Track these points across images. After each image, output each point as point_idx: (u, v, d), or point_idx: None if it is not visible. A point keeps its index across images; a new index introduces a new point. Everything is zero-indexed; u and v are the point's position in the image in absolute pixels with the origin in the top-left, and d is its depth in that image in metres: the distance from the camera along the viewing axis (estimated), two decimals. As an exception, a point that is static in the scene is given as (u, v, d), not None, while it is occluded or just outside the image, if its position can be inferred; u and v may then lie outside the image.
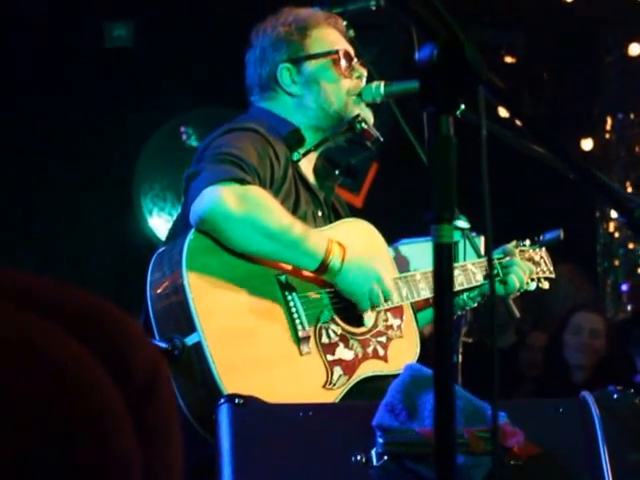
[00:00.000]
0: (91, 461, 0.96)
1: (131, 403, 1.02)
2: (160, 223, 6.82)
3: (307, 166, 3.16)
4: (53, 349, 0.98)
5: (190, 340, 2.68)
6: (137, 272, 3.02)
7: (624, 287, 7.48)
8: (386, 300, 2.93)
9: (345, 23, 3.30)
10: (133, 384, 1.03)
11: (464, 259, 3.39)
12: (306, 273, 2.89)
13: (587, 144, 7.42)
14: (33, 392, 0.95)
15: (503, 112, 6.31)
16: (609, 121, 7.51)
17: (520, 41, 6.99)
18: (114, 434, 0.98)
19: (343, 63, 3.13)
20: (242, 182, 2.78)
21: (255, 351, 2.75)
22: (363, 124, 3.09)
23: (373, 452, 2.29)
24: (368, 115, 3.14)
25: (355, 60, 3.17)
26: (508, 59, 6.98)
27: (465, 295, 3.25)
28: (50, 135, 6.35)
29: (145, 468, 1.02)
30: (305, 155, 3.11)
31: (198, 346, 2.68)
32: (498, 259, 3.28)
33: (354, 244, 2.95)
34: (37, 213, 6.38)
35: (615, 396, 2.54)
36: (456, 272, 3.15)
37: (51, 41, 6.24)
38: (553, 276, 3.45)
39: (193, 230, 2.78)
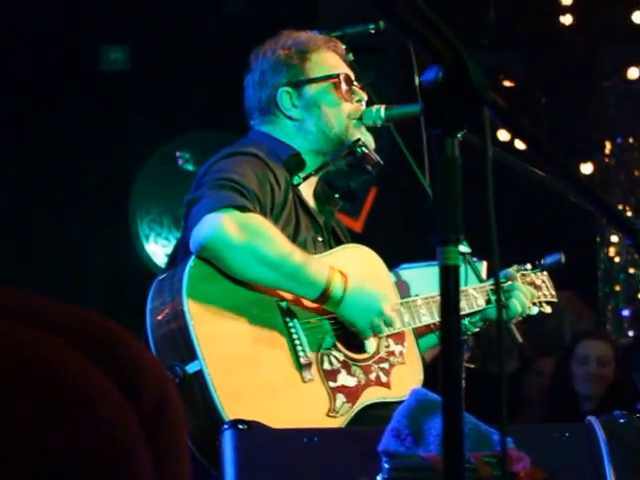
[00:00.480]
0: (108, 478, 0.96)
1: (143, 423, 1.02)
2: (157, 249, 6.80)
3: (307, 190, 3.15)
4: (77, 376, 0.99)
5: (191, 368, 2.67)
6: (134, 299, 3.01)
7: (625, 312, 7.45)
8: (388, 327, 2.92)
9: (344, 47, 3.30)
10: (143, 406, 1.03)
11: (465, 284, 3.37)
12: (307, 302, 2.87)
13: (587, 168, 7.43)
14: (54, 414, 0.95)
15: (503, 135, 6.34)
16: (608, 145, 7.52)
17: (519, 65, 7.01)
18: (130, 453, 0.98)
19: (344, 87, 3.12)
20: (243, 209, 2.77)
21: (257, 379, 2.73)
22: (364, 148, 3.09)
23: (379, 478, 2.28)
24: (369, 139, 3.13)
25: (355, 84, 3.16)
26: (507, 83, 7.01)
27: (466, 320, 3.22)
28: (45, 158, 6.33)
29: None
30: (306, 179, 3.10)
31: (199, 374, 2.66)
32: (500, 283, 3.26)
33: (355, 271, 2.94)
34: (33, 238, 6.36)
35: (621, 421, 2.52)
36: None
37: (47, 63, 6.24)
38: (555, 300, 3.44)
39: (193, 257, 2.77)
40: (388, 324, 2.90)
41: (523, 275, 3.35)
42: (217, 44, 6.25)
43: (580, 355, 5.54)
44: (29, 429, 0.94)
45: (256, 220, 2.78)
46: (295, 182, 3.07)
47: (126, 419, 1.00)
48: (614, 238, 7.41)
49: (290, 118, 3.12)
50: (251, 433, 2.32)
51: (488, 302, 3.19)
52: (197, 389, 2.66)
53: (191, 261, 2.76)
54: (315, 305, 2.88)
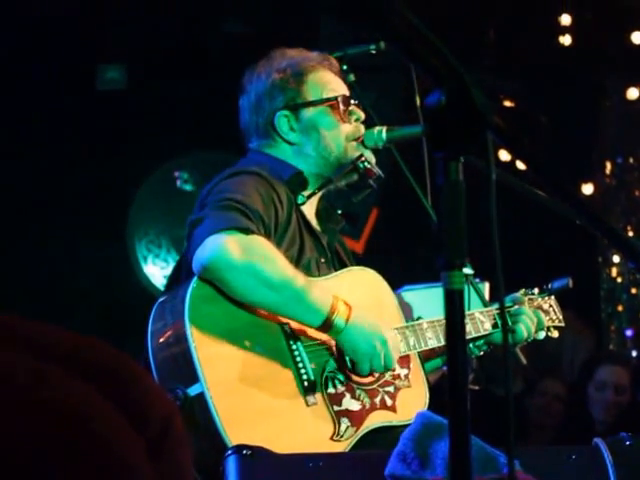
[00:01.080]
0: None
1: (148, 450, 1.02)
2: (155, 270, 6.77)
3: (309, 210, 3.14)
4: (86, 410, 0.99)
5: (193, 391, 2.65)
6: (133, 321, 3.00)
7: (629, 333, 7.44)
8: (387, 367, 2.87)
9: (345, 67, 3.30)
10: (150, 433, 1.03)
11: (468, 306, 3.35)
12: (309, 330, 2.84)
13: (587, 189, 7.43)
14: (62, 446, 0.95)
15: (504, 156, 6.34)
16: (609, 166, 7.52)
17: (519, 85, 7.03)
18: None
19: (341, 107, 3.11)
20: (246, 231, 2.75)
21: (260, 402, 2.71)
22: (366, 163, 3.08)
23: (385, 502, 2.26)
24: (370, 155, 3.12)
25: (352, 101, 3.15)
26: (507, 103, 7.02)
27: (471, 344, 3.20)
28: (41, 179, 6.31)
29: None
30: (309, 198, 3.09)
31: (201, 397, 2.64)
32: (506, 307, 3.24)
33: (359, 296, 2.92)
34: (30, 261, 6.34)
35: (627, 443, 2.51)
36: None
37: (43, 83, 6.23)
38: (562, 325, 3.41)
39: (196, 278, 2.75)
40: (387, 362, 2.86)
41: (530, 299, 3.34)
42: (216, 63, 6.25)
43: (598, 381, 5.55)
44: (32, 462, 0.93)
45: (259, 242, 2.77)
46: (299, 202, 3.06)
47: (134, 451, 1.00)
48: (616, 258, 7.40)
49: (288, 142, 3.11)
50: (255, 458, 2.30)
51: (495, 326, 3.17)
52: (199, 412, 2.64)
53: (193, 282, 2.74)
54: (317, 336, 2.85)
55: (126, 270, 6.77)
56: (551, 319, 3.36)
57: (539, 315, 3.27)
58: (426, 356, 3.13)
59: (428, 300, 3.60)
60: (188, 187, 6.75)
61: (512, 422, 1.54)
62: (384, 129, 3.14)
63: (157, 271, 6.76)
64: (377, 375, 2.93)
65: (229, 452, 2.33)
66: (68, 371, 1.02)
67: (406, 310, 3.48)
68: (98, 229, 6.46)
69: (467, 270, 3.50)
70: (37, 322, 1.09)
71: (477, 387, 4.33)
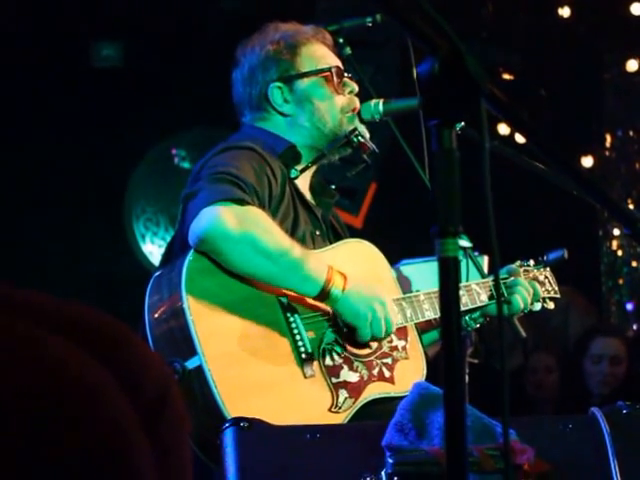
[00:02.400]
0: (111, 473, 0.96)
1: (144, 419, 1.02)
2: (154, 249, 6.77)
3: (303, 183, 3.14)
4: (76, 372, 0.99)
5: (191, 364, 2.65)
6: (131, 299, 3.00)
7: (629, 306, 7.45)
8: (387, 331, 2.88)
9: (341, 41, 3.29)
10: (145, 401, 1.03)
11: (467, 279, 3.35)
12: (307, 299, 2.84)
13: (587, 161, 7.43)
14: (53, 410, 0.96)
15: (503, 129, 6.33)
16: (609, 138, 7.51)
17: (518, 58, 7.01)
18: (129, 448, 0.98)
19: (335, 80, 3.10)
20: (241, 202, 2.75)
21: (258, 374, 2.71)
22: (360, 137, 3.07)
23: (383, 473, 2.27)
24: (363, 129, 3.12)
25: (346, 74, 3.15)
26: (506, 76, 7.00)
27: (467, 316, 3.21)
28: (38, 158, 6.30)
29: None
30: (303, 172, 3.09)
31: (199, 370, 2.64)
32: (502, 279, 3.24)
33: (355, 268, 2.92)
34: (27, 239, 6.33)
35: (624, 412, 2.52)
36: (460, 292, 3.10)
37: (39, 61, 6.21)
38: (558, 296, 3.42)
39: (192, 251, 2.75)
40: (388, 326, 2.86)
41: (526, 271, 3.34)
42: (213, 39, 6.22)
43: (594, 354, 5.56)
44: (27, 425, 0.94)
45: (254, 213, 2.76)
46: (292, 175, 3.06)
47: (126, 415, 1.00)
48: (616, 231, 7.41)
49: (282, 114, 3.10)
50: (253, 431, 2.31)
51: (491, 297, 3.17)
52: (197, 385, 2.64)
53: (190, 255, 2.74)
54: (314, 305, 2.85)
55: (124, 249, 6.76)
56: (547, 290, 3.37)
57: (535, 286, 3.27)
58: (423, 328, 3.13)
59: (427, 273, 3.60)
60: (185, 165, 6.74)
61: (507, 392, 1.54)
62: (381, 102, 3.14)
63: (155, 249, 6.76)
64: (375, 347, 2.94)
65: (226, 424, 2.34)
66: (64, 335, 1.02)
67: (405, 283, 3.48)
68: (96, 208, 6.46)
69: (466, 243, 3.51)
70: (35, 291, 1.10)
71: (476, 361, 4.33)
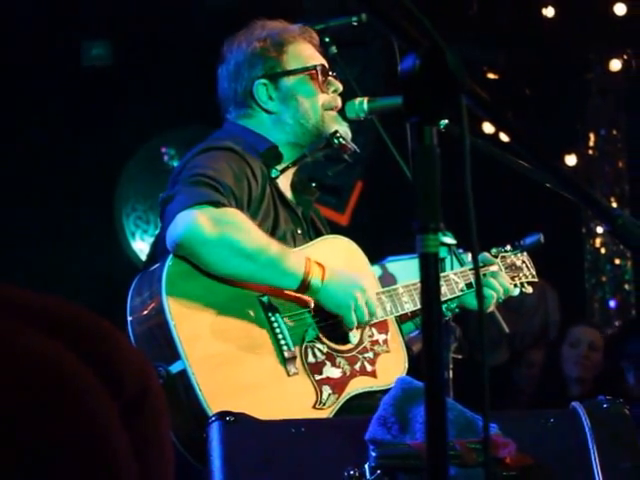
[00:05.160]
0: (87, 463, 0.97)
1: (124, 414, 1.03)
2: (144, 246, 6.77)
3: (284, 182, 3.15)
4: (56, 366, 1.00)
5: (174, 368, 2.65)
6: (122, 297, 3.00)
7: (612, 303, 7.49)
8: (371, 314, 2.91)
9: (327, 40, 3.31)
10: (125, 394, 1.04)
11: (450, 275, 3.37)
12: (288, 292, 2.86)
13: (571, 160, 7.46)
14: (32, 400, 0.96)
15: (488, 128, 6.36)
16: (592, 137, 7.55)
17: (502, 57, 7.04)
18: (107, 440, 0.99)
19: (320, 77, 3.12)
20: (217, 205, 2.75)
21: (242, 375, 2.72)
22: (341, 139, 3.09)
23: (366, 466, 2.29)
24: (346, 129, 3.13)
25: (331, 74, 3.16)
26: (491, 75, 7.02)
27: (444, 307, 3.23)
28: (28, 156, 6.29)
29: (140, 478, 1.03)
30: (283, 172, 3.10)
31: (183, 374, 2.65)
32: (480, 267, 3.26)
33: (334, 262, 2.93)
34: (18, 237, 6.32)
35: (605, 406, 2.54)
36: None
37: (29, 60, 6.20)
38: (536, 280, 3.43)
39: (171, 256, 2.75)
40: (370, 309, 2.90)
41: (503, 257, 3.35)
42: (201, 37, 6.22)
43: (572, 338, 5.65)
44: (4, 417, 0.95)
45: (231, 214, 2.77)
46: (273, 175, 3.07)
47: (105, 408, 1.01)
48: (600, 229, 7.44)
49: (266, 111, 3.11)
50: (238, 425, 2.33)
51: (469, 286, 3.19)
52: (181, 389, 2.65)
53: (169, 260, 2.74)
54: (296, 297, 2.87)
55: (115, 246, 6.76)
56: (525, 275, 3.38)
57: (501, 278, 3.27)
58: (401, 319, 3.15)
59: (412, 270, 3.61)
60: (175, 163, 6.73)
61: (487, 385, 1.56)
62: (365, 100, 3.15)
63: (145, 247, 6.74)
64: (356, 342, 2.96)
65: (212, 419, 2.36)
66: (47, 330, 1.03)
67: (390, 279, 3.51)
68: (86, 206, 6.45)
69: (450, 240, 3.53)
70: (19, 287, 1.11)
71: (460, 356, 4.35)
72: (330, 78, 3.15)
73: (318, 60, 3.16)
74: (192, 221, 2.71)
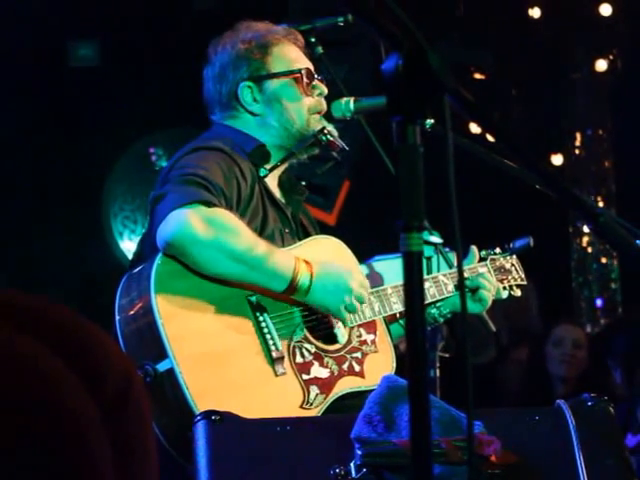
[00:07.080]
0: (65, 463, 0.97)
1: (105, 414, 1.03)
2: (132, 246, 6.77)
3: (272, 181, 3.15)
4: (33, 363, 1.00)
5: (162, 367, 2.65)
6: (110, 297, 3.00)
7: (598, 302, 7.52)
8: (361, 303, 2.91)
9: (313, 40, 3.31)
10: (106, 394, 1.04)
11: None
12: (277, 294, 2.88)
13: (557, 160, 7.49)
14: (9, 399, 0.96)
15: (474, 128, 6.37)
16: (578, 137, 7.57)
17: (489, 58, 7.05)
18: (85, 440, 0.99)
19: (305, 81, 3.11)
20: (208, 204, 2.76)
21: (229, 375, 2.73)
22: (329, 136, 3.09)
23: (352, 464, 2.30)
24: (332, 128, 3.13)
25: (316, 77, 3.16)
26: (477, 76, 7.04)
27: (436, 312, 3.23)
28: (15, 156, 6.28)
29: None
30: (272, 171, 3.10)
31: (171, 372, 2.65)
32: (470, 269, 3.28)
33: (322, 261, 2.95)
34: (3, 236, 6.31)
35: (589, 404, 2.56)
36: (427, 284, 3.15)
37: (16, 61, 6.19)
38: (525, 283, 3.46)
39: (160, 254, 2.75)
40: (360, 301, 2.90)
41: (492, 259, 3.37)
42: (188, 38, 6.23)
43: (556, 337, 5.67)
44: None
45: (221, 214, 2.78)
46: (262, 174, 3.07)
47: (85, 408, 1.01)
48: (586, 228, 7.47)
49: (251, 113, 3.11)
50: (224, 423, 2.33)
51: (458, 288, 3.20)
52: (169, 387, 2.65)
53: (158, 258, 2.75)
54: (285, 297, 2.87)
55: (102, 246, 6.76)
56: (514, 278, 3.40)
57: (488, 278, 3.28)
58: (389, 320, 3.16)
59: (399, 269, 3.61)
60: (163, 163, 6.74)
61: (470, 383, 1.57)
62: (351, 100, 3.16)
63: (133, 246, 6.73)
64: (344, 341, 2.97)
65: (198, 418, 2.36)
66: (27, 330, 1.03)
67: (377, 278, 3.51)
68: (74, 206, 6.45)
69: (437, 239, 3.54)
70: (5, 287, 1.11)
71: (447, 355, 4.36)
72: (315, 82, 3.14)
73: (303, 63, 3.15)
74: (184, 220, 2.71)
